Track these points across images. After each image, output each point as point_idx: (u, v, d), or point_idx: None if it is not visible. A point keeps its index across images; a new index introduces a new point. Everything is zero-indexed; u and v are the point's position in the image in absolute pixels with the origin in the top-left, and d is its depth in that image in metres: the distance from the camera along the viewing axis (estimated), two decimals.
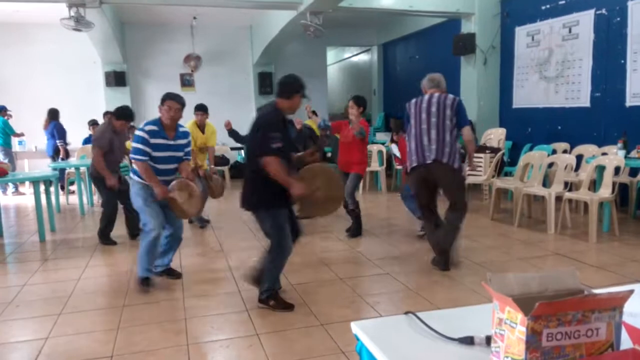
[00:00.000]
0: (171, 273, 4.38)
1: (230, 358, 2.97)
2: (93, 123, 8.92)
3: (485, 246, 4.98)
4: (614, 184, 5.21)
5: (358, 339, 1.37)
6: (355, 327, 1.37)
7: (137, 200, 4.02)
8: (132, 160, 3.98)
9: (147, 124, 3.99)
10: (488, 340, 1.19)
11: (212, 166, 6.40)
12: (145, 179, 3.93)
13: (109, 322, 3.45)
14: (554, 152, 6.91)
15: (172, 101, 3.98)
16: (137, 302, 3.82)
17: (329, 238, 5.71)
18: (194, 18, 10.78)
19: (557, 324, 0.99)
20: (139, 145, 3.86)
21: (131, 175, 4.10)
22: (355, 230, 5.75)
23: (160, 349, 3.02)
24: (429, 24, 10.30)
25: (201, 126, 6.24)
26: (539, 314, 0.97)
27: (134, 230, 5.66)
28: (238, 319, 3.45)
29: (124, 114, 5.49)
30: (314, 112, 6.47)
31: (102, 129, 5.59)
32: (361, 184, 7.64)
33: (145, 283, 4.08)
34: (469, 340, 1.22)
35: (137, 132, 3.94)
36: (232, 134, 6.22)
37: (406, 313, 1.41)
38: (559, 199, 5.47)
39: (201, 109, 6.24)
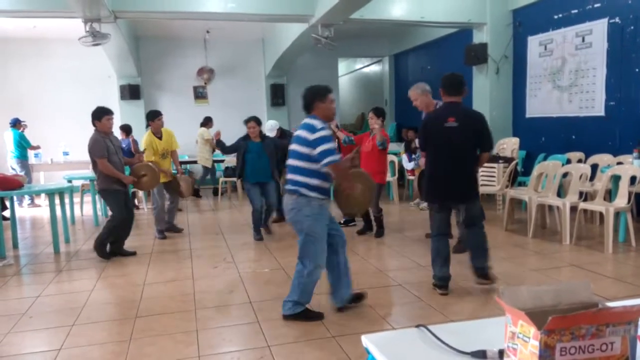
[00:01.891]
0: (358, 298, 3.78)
1: None
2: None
3: (499, 257, 4.91)
4: (629, 193, 5.12)
5: (369, 352, 1.36)
6: (366, 340, 1.36)
7: (314, 225, 3.42)
8: (329, 166, 3.34)
9: (315, 120, 3.46)
10: (501, 354, 1.17)
11: (179, 168, 6.71)
12: (348, 180, 3.56)
13: (121, 333, 3.46)
14: (569, 161, 6.83)
15: (332, 93, 3.61)
16: (149, 313, 3.83)
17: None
18: (207, 32, 10.91)
19: (571, 338, 0.98)
20: (333, 144, 3.40)
21: (304, 192, 3.42)
22: (380, 232, 6.19)
23: None
24: (440, 35, 10.31)
25: (157, 133, 6.38)
26: (552, 327, 0.96)
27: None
28: (249, 330, 3.44)
29: (102, 111, 5.27)
30: (336, 126, 6.77)
31: (92, 140, 5.25)
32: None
33: (306, 315, 3.58)
34: (481, 355, 1.20)
35: (323, 133, 3.37)
36: (219, 143, 6.37)
37: (417, 326, 1.40)
38: (574, 209, 5.40)
39: (157, 114, 6.43)
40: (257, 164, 6.10)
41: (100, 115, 5.26)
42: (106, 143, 5.26)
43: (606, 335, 0.99)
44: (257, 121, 6.21)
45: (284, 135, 7.30)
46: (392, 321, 3.53)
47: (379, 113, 6.09)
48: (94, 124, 5.30)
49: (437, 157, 3.96)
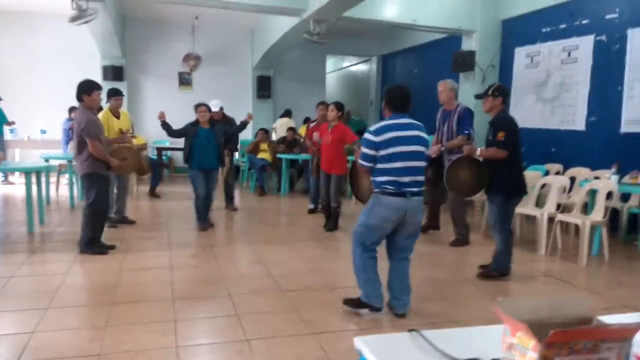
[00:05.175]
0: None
1: None
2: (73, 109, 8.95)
3: (476, 263, 4.97)
4: (605, 208, 5.25)
5: (361, 355, 1.36)
6: (359, 343, 1.37)
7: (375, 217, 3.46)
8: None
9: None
10: None
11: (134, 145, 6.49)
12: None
13: (96, 319, 3.40)
14: (547, 173, 6.96)
15: None
16: (125, 300, 3.77)
17: (320, 246, 5.71)
18: (196, 18, 10.78)
19: (569, 352, 1.00)
20: None
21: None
22: (333, 225, 6.35)
23: (148, 350, 2.98)
24: (429, 39, 10.37)
25: (116, 113, 6.11)
26: (552, 341, 0.97)
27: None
28: (228, 323, 3.42)
29: (93, 85, 4.81)
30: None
31: (86, 118, 4.68)
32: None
33: (353, 304, 3.62)
34: None
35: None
36: (165, 126, 6.17)
37: (410, 330, 1.41)
38: (551, 220, 5.51)
39: (120, 93, 6.19)
40: (205, 149, 6.10)
41: (91, 89, 4.74)
42: (98, 121, 4.86)
43: (602, 350, 1.02)
44: (209, 108, 6.29)
45: (226, 119, 7.39)
46: (370, 319, 3.54)
47: (340, 107, 6.29)
48: (80, 99, 4.75)
49: (520, 155, 4.53)
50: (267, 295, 3.97)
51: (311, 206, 7.62)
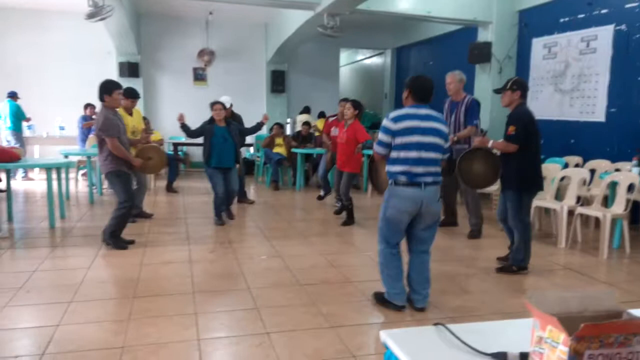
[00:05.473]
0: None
1: (241, 355, 2.97)
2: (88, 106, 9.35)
3: (493, 256, 4.95)
4: (626, 200, 5.18)
5: (387, 347, 1.37)
6: (385, 336, 1.37)
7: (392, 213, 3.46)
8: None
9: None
10: (522, 357, 1.19)
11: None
12: None
13: (119, 313, 3.46)
14: (566, 165, 6.88)
15: None
16: (146, 293, 3.83)
17: (336, 240, 5.72)
18: (210, 13, 10.81)
19: (599, 346, 0.99)
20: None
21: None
22: (348, 220, 6.38)
23: (170, 343, 3.02)
24: (444, 31, 10.29)
25: (129, 111, 6.03)
26: (583, 334, 0.97)
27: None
28: (248, 317, 3.45)
29: (114, 84, 4.90)
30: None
31: (103, 117, 4.78)
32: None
33: (379, 299, 3.68)
34: (502, 357, 1.22)
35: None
36: (184, 127, 6.18)
37: (436, 324, 1.41)
38: (571, 213, 5.45)
39: (137, 96, 6.12)
40: (223, 148, 6.11)
41: (112, 88, 4.84)
42: (117, 121, 4.92)
43: (633, 344, 1.01)
44: (223, 106, 6.29)
45: (234, 117, 7.33)
46: (389, 314, 3.55)
47: (357, 106, 6.28)
48: (102, 99, 4.83)
49: (537, 150, 4.42)
50: (286, 289, 4.00)
51: (321, 193, 7.73)
